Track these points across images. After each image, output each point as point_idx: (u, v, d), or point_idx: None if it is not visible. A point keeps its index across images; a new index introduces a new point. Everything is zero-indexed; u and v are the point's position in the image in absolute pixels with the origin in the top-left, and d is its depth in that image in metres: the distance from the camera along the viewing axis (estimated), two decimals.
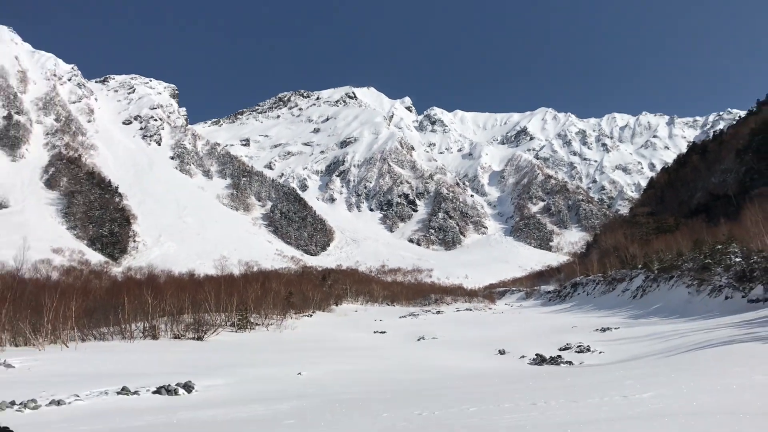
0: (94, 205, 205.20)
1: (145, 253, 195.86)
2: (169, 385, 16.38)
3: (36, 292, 40.84)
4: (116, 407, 14.34)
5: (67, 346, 33.33)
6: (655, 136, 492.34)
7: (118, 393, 16.19)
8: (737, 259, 39.32)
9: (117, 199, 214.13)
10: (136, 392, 16.25)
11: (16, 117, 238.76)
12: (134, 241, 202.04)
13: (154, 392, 16.01)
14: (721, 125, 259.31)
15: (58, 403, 14.70)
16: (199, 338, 39.85)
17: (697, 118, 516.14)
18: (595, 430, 7.42)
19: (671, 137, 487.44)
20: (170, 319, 44.38)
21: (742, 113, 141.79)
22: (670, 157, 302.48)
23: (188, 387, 16.22)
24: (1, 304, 34.38)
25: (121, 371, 21.67)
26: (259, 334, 45.72)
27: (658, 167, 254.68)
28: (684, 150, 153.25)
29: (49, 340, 34.64)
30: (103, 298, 47.76)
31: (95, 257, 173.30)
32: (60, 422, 12.36)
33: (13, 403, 14.41)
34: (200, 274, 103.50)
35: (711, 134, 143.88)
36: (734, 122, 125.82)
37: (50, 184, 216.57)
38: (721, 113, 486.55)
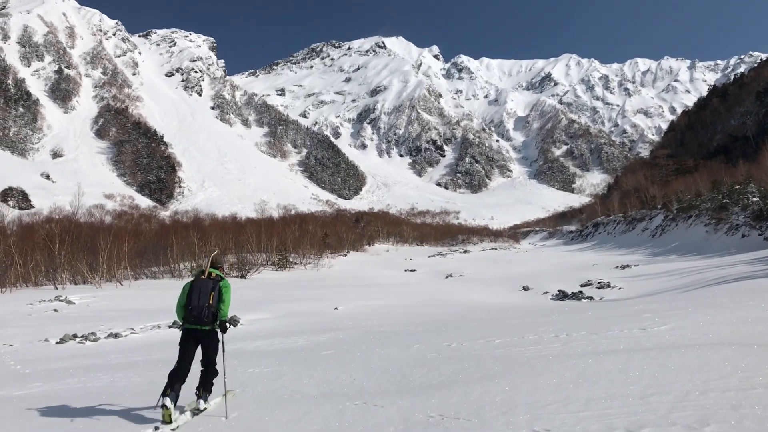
0: (142, 153, 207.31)
1: (190, 197, 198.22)
2: None
3: (91, 234, 41.83)
4: (168, 339, 14.76)
5: (122, 284, 34.25)
6: (676, 80, 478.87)
7: (170, 327, 16.66)
8: (755, 199, 38.59)
9: (163, 148, 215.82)
10: None
11: (66, 71, 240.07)
12: (180, 187, 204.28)
13: None
14: (743, 68, 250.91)
15: (116, 335, 15.19)
16: (243, 276, 40.66)
17: (719, 61, 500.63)
18: (615, 360, 7.44)
19: (692, 81, 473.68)
20: None
21: (764, 56, 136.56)
22: (690, 100, 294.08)
23: (234, 321, 16.61)
24: (60, 245, 35.36)
25: (171, 307, 22.15)
26: (297, 273, 46.46)
27: (679, 111, 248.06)
28: (705, 93, 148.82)
29: (105, 278, 35.62)
30: (153, 239, 48.76)
31: (144, 202, 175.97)
32: (117, 353, 12.79)
33: (75, 336, 14.93)
34: (242, 217, 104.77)
35: (732, 77, 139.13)
36: (755, 65, 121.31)
37: (100, 134, 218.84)
38: (742, 56, 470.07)
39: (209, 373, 6.83)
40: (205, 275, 6.94)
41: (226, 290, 6.89)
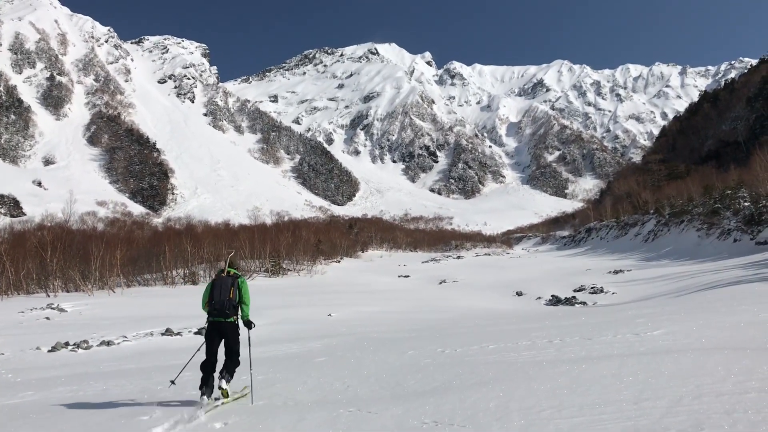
0: (134, 160, 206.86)
1: (183, 204, 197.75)
2: None
3: (84, 242, 41.66)
4: (161, 347, 14.71)
5: (114, 292, 34.14)
6: (667, 86, 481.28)
7: (163, 334, 16.61)
8: (746, 203, 38.81)
9: (155, 154, 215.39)
10: (179, 333, 16.65)
11: (58, 78, 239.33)
12: (172, 194, 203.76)
13: (195, 333, 16.41)
14: (733, 74, 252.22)
15: (108, 343, 15.12)
16: None
17: (710, 67, 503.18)
18: (609, 365, 7.45)
19: (683, 87, 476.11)
20: (208, 266, 45.17)
21: (754, 62, 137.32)
22: (682, 106, 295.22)
23: None
24: (52, 253, 35.20)
25: (164, 314, 22.16)
26: (291, 279, 46.37)
27: (671, 116, 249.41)
28: (696, 99, 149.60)
29: (97, 286, 35.50)
30: (146, 247, 48.63)
31: (137, 209, 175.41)
32: (110, 361, 12.73)
33: (67, 343, 14.85)
34: (235, 223, 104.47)
35: (722, 83, 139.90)
36: (746, 71, 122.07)
37: (92, 141, 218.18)
38: (733, 62, 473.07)
39: (232, 362, 7.72)
40: (225, 273, 7.95)
41: (244, 286, 7.92)
